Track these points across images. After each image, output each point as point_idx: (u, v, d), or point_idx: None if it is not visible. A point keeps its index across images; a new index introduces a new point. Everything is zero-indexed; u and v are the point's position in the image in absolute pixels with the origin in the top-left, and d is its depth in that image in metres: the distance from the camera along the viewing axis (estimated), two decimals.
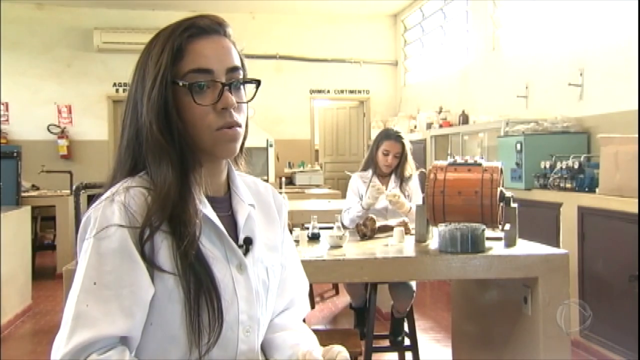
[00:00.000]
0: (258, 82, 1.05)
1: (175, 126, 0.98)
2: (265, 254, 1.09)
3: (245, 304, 1.01)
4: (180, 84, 0.97)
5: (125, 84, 8.06)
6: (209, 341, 0.94)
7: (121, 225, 0.92)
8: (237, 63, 1.02)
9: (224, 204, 1.07)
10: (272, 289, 1.10)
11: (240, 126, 1.01)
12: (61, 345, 0.88)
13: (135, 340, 0.93)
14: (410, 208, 3.10)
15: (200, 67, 0.98)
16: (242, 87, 1.03)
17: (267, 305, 1.08)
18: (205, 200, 1.01)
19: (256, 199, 1.12)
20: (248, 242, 1.05)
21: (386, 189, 3.27)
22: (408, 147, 3.40)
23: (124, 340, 0.91)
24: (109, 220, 0.92)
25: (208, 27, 1.00)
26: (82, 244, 0.95)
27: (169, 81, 0.97)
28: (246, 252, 1.04)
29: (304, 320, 1.22)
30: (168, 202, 0.95)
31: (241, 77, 1.02)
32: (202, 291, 0.94)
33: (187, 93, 0.97)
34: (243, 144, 1.07)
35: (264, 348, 1.10)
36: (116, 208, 0.93)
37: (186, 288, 0.93)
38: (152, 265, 0.92)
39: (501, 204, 2.40)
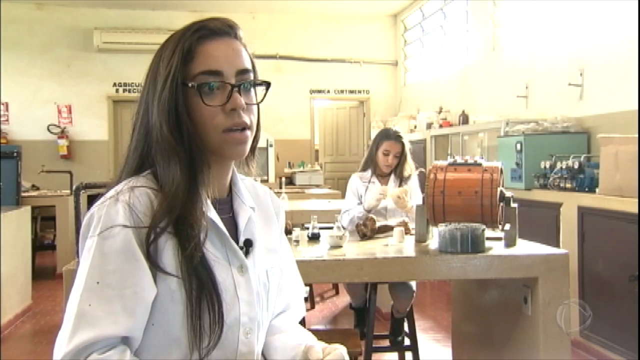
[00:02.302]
0: (268, 84, 1.05)
1: (185, 127, 0.98)
2: (265, 256, 1.10)
3: (246, 306, 1.01)
4: (190, 85, 0.98)
5: (125, 84, 8.07)
6: (209, 344, 0.95)
7: (125, 226, 0.92)
8: (247, 65, 1.03)
9: (226, 205, 1.07)
10: (272, 290, 1.10)
11: (248, 127, 1.01)
12: (63, 344, 0.88)
13: (137, 340, 0.93)
14: (412, 207, 3.10)
15: (210, 69, 0.98)
16: (252, 89, 1.04)
17: (267, 308, 1.08)
18: (209, 203, 1.01)
19: (255, 201, 1.13)
20: (248, 244, 1.05)
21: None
22: (408, 147, 3.40)
23: (125, 341, 0.92)
24: (113, 220, 0.93)
25: (218, 29, 1.01)
26: (85, 241, 0.95)
27: (179, 82, 0.98)
28: (247, 254, 1.05)
29: (303, 322, 1.23)
30: (176, 203, 0.95)
31: (251, 79, 1.03)
32: (204, 294, 0.94)
33: (196, 94, 0.98)
34: (255, 146, 1.08)
35: (262, 350, 1.10)
36: (121, 208, 0.93)
37: (188, 290, 0.93)
38: (155, 267, 0.93)
39: (501, 204, 2.40)
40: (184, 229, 0.94)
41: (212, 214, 1.00)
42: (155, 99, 0.99)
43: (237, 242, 1.04)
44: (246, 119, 1.00)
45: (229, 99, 0.98)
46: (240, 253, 1.03)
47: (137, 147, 1.02)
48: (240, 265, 1.02)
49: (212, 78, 0.98)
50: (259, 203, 1.14)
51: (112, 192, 0.97)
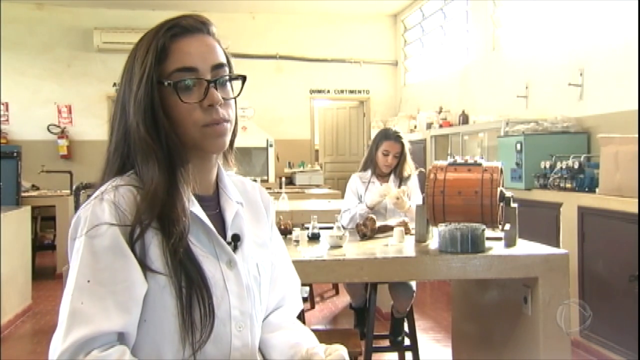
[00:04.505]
0: (244, 78, 1.06)
1: (162, 125, 0.98)
2: (255, 251, 1.10)
3: (236, 300, 1.02)
4: (166, 83, 0.98)
5: None
6: (201, 337, 0.95)
7: (112, 224, 0.93)
8: (222, 60, 1.03)
9: (212, 202, 1.08)
10: (264, 284, 1.10)
11: (227, 121, 1.02)
12: (58, 343, 0.88)
13: (132, 337, 0.93)
14: (410, 206, 3.10)
15: (184, 66, 0.99)
16: (228, 83, 1.04)
17: (260, 301, 1.08)
18: (194, 199, 1.02)
19: (244, 197, 1.14)
20: (236, 238, 1.06)
21: None
22: (407, 147, 3.40)
23: (121, 338, 0.92)
24: (99, 218, 0.93)
25: (191, 26, 1.01)
26: (73, 243, 0.96)
27: (154, 81, 0.98)
28: (235, 249, 1.05)
29: (303, 321, 1.23)
30: (156, 200, 0.95)
31: (227, 73, 1.03)
32: (193, 289, 0.95)
33: (173, 92, 0.98)
34: (233, 140, 1.08)
35: (260, 348, 1.10)
36: (106, 206, 0.94)
37: (177, 286, 0.94)
38: (143, 266, 0.93)
39: (501, 204, 2.40)
40: (166, 226, 0.95)
41: (197, 209, 1.01)
42: (131, 99, 0.99)
43: (225, 237, 1.05)
44: (224, 114, 1.01)
45: (205, 95, 0.99)
46: (228, 247, 1.03)
47: (117, 148, 1.02)
48: (229, 260, 1.03)
49: (188, 75, 0.99)
50: (247, 198, 1.15)
51: (96, 193, 0.97)
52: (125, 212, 0.94)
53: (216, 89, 1.00)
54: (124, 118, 1.01)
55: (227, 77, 1.03)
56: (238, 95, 1.06)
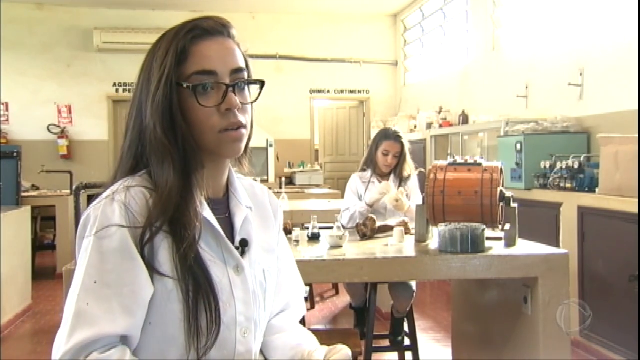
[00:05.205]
0: (262, 83, 1.05)
1: (179, 128, 0.98)
2: (262, 256, 1.10)
3: (242, 305, 1.01)
4: (185, 86, 0.98)
5: (125, 84, 8.07)
6: (206, 343, 0.95)
7: (122, 226, 0.92)
8: (241, 64, 1.02)
9: (222, 205, 1.07)
10: (270, 290, 1.10)
11: (244, 127, 1.01)
12: (62, 343, 0.88)
13: (135, 339, 0.93)
14: (409, 206, 3.10)
15: (204, 69, 0.98)
16: (246, 88, 1.04)
17: (265, 307, 1.08)
18: (205, 203, 1.01)
19: (253, 201, 1.13)
20: (244, 244, 1.05)
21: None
22: (407, 147, 3.40)
23: (124, 340, 0.92)
24: (109, 219, 0.93)
25: (212, 28, 1.01)
26: (82, 241, 0.95)
27: (173, 83, 0.97)
28: (243, 254, 1.05)
29: (304, 322, 1.23)
30: (170, 204, 0.95)
31: (245, 78, 1.03)
32: (200, 294, 0.94)
33: (191, 95, 0.98)
34: (248, 144, 1.07)
35: (262, 350, 1.10)
36: (117, 207, 0.93)
37: (185, 290, 0.93)
38: (151, 269, 0.93)
39: (501, 204, 2.40)
40: (178, 230, 0.94)
41: (207, 213, 1.00)
42: (149, 99, 0.98)
43: (233, 242, 1.04)
44: (241, 118, 1.00)
45: (224, 99, 0.98)
46: (236, 253, 1.03)
47: (131, 147, 1.02)
48: (236, 265, 1.02)
49: (207, 78, 0.98)
50: (256, 203, 1.14)
51: (108, 192, 0.97)
52: (136, 214, 0.94)
53: (235, 94, 0.99)
54: (139, 118, 1.00)
55: (246, 82, 1.03)
56: (256, 100, 1.05)
